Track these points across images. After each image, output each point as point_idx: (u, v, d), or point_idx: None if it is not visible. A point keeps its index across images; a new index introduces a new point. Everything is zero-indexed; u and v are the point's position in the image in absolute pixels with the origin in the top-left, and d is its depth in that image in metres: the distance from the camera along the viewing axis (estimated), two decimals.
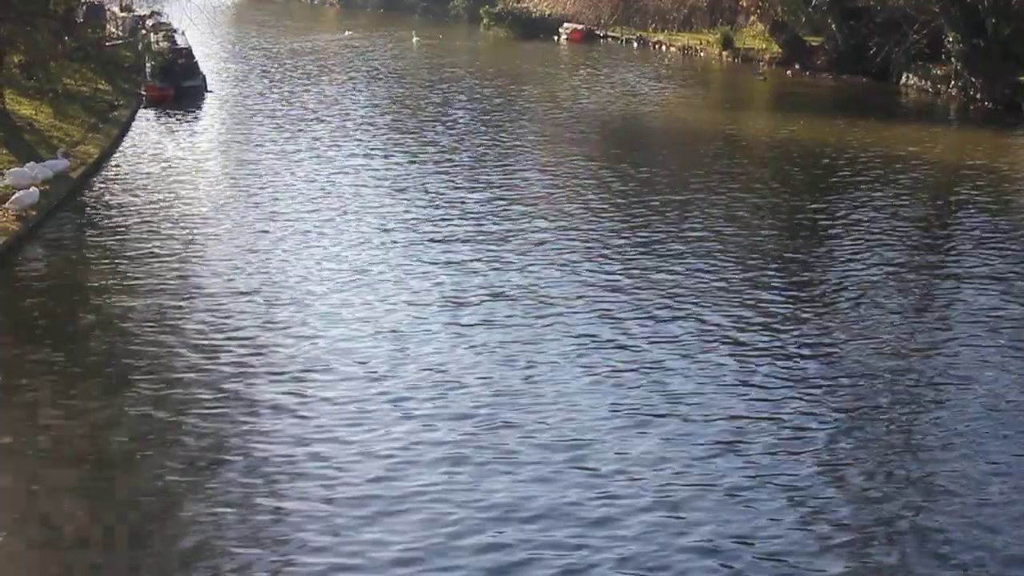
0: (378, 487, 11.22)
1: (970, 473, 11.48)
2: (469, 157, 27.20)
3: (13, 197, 20.59)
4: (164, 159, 27.68)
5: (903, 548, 10.25)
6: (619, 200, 23.02)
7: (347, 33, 58.65)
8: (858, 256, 18.92)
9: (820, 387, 13.57)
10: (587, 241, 19.83)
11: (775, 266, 18.54)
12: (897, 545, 10.29)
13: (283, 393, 13.48)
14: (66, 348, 15.12)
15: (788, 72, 42.11)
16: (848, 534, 10.42)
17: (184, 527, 10.70)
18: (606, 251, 19.19)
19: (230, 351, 14.81)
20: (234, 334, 15.41)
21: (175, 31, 42.21)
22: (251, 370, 14.22)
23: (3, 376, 14.17)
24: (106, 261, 19.14)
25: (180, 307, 16.61)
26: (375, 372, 14.08)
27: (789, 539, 10.30)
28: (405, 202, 22.92)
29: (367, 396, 13.39)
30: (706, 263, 18.43)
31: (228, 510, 10.92)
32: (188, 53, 38.89)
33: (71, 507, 11.04)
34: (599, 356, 14.53)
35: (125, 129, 31.05)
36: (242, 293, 17.19)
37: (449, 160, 26.87)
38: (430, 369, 14.14)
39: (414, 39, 54.82)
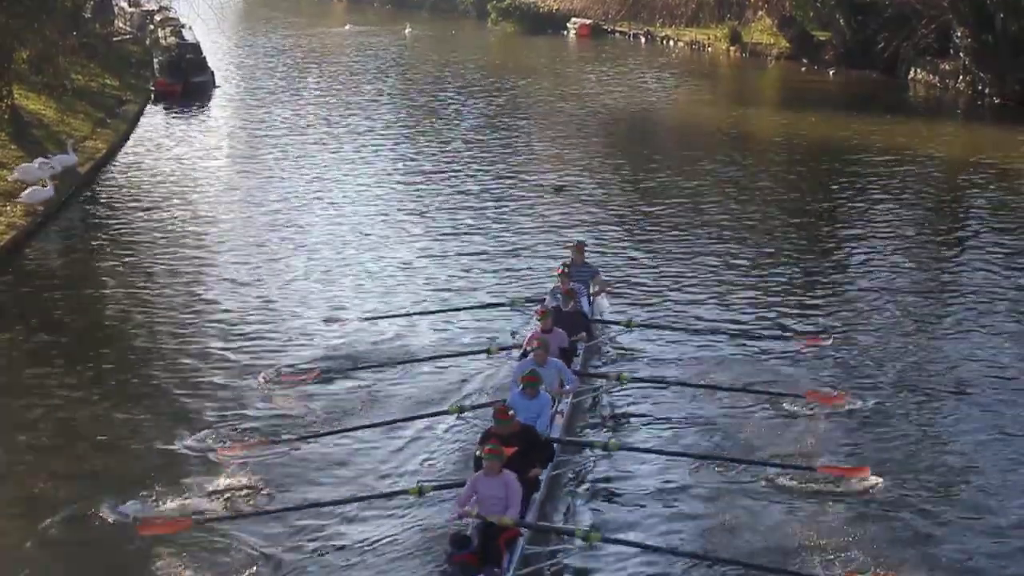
0: None
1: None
2: (478, 153, 27.18)
3: (27, 191, 20.64)
4: (172, 154, 27.74)
5: None
6: (627, 197, 23.10)
7: (347, 27, 58.91)
8: (867, 252, 18.93)
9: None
10: (598, 236, 19.87)
11: (786, 257, 18.57)
12: None
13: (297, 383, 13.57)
14: (73, 339, 15.18)
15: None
16: None
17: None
18: (616, 247, 19.26)
19: (238, 340, 14.90)
20: (241, 325, 15.49)
21: (183, 26, 42.30)
22: (260, 359, 14.25)
23: (9, 365, 14.30)
24: (113, 255, 19.20)
25: (187, 301, 16.67)
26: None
27: None
28: (406, 189, 23.14)
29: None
30: (716, 257, 18.48)
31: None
32: (196, 48, 38.95)
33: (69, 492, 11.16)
34: None
35: (133, 124, 31.11)
36: (250, 284, 17.32)
37: (458, 155, 26.88)
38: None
39: (407, 31, 55.04)
